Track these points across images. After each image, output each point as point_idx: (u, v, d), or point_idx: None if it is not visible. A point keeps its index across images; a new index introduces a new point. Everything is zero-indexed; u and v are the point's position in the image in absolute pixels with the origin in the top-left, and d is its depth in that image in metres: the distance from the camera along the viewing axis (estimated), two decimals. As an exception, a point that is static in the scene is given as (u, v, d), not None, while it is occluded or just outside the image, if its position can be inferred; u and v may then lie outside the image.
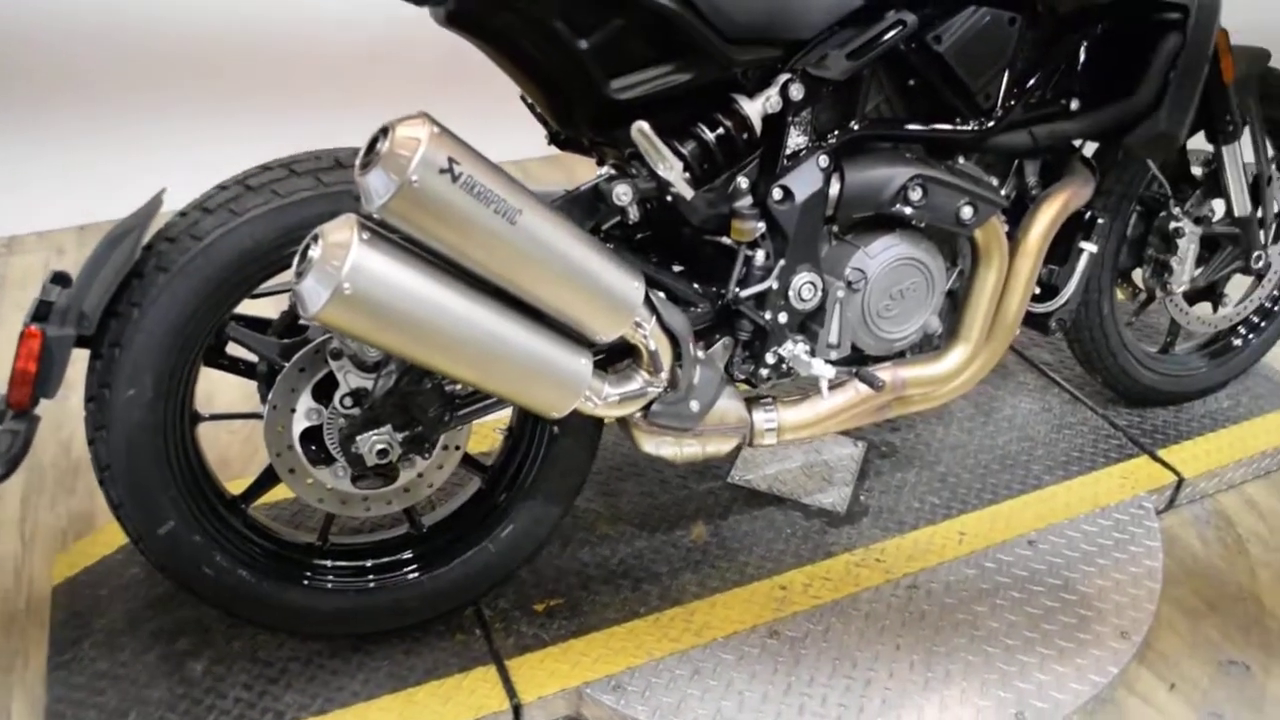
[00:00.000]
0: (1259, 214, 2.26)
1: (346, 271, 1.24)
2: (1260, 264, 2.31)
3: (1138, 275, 2.33)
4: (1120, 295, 2.34)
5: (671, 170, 1.46)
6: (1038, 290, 2.00)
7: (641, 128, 1.44)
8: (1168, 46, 1.82)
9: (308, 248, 1.28)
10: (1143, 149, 1.88)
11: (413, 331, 1.31)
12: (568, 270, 1.37)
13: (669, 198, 1.51)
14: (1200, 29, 1.82)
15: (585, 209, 1.51)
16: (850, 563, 1.98)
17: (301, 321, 1.60)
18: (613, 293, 1.43)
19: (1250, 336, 2.53)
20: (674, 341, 1.54)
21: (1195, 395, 2.52)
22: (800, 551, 2.00)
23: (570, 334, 1.45)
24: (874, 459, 2.27)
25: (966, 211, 1.70)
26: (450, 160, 1.24)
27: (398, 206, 1.24)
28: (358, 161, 1.27)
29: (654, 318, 1.50)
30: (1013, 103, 1.76)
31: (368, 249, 1.26)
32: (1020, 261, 1.86)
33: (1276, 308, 2.53)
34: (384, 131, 1.26)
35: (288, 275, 1.38)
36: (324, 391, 1.59)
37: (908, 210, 1.67)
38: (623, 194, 1.48)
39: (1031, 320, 2.02)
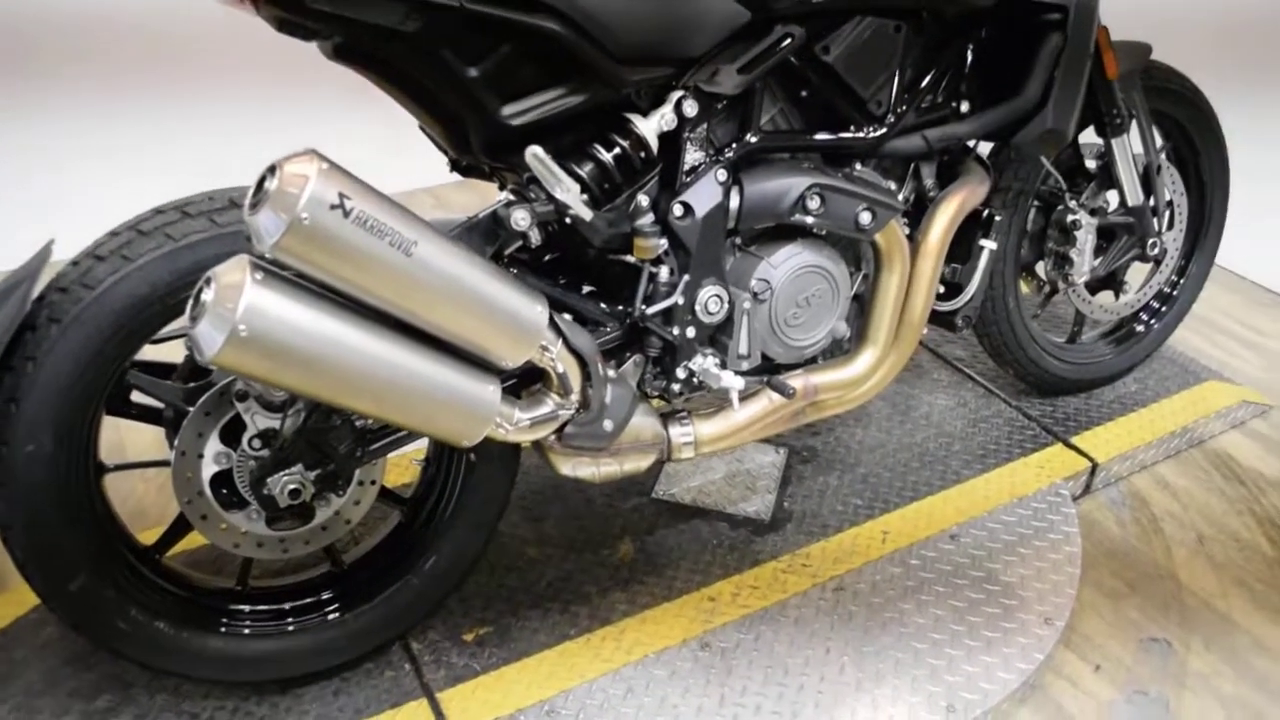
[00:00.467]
0: (1151, 202, 2.32)
1: (241, 313, 1.22)
2: (1156, 250, 2.38)
3: (1040, 268, 2.38)
4: (1025, 288, 2.39)
5: (569, 193, 1.46)
6: (942, 289, 2.04)
7: (535, 152, 1.44)
8: (1050, 46, 1.87)
9: (200, 291, 1.27)
10: (1033, 146, 1.93)
11: (313, 370, 1.30)
12: (468, 298, 1.37)
13: (569, 220, 1.52)
14: (1080, 28, 1.88)
15: (485, 236, 1.50)
16: (777, 570, 2.00)
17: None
18: (516, 318, 1.42)
19: (1152, 322, 2.61)
20: (582, 362, 1.54)
21: (1104, 382, 2.59)
22: (727, 562, 2.01)
23: (476, 361, 1.45)
24: (796, 465, 2.29)
25: (865, 217, 1.73)
26: (340, 195, 1.23)
27: (289, 245, 1.23)
28: (246, 202, 1.26)
29: (560, 340, 1.50)
30: (904, 108, 1.79)
31: (262, 289, 1.24)
32: (922, 262, 1.90)
33: (1175, 292, 2.61)
34: (271, 170, 1.24)
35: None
36: (232, 434, 1.57)
37: (808, 219, 1.69)
38: (521, 219, 1.48)
39: (938, 319, 2.05)
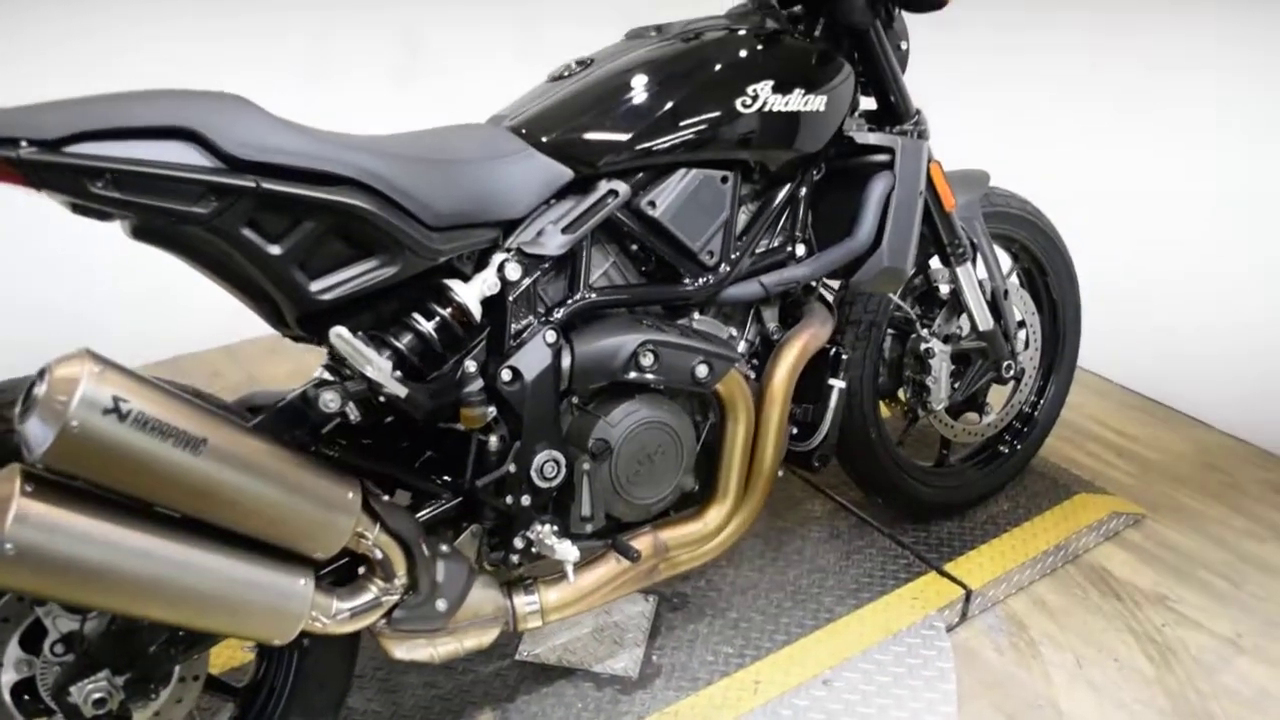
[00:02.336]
0: (1002, 325, 2.34)
1: (8, 530, 1.14)
2: (1011, 372, 2.40)
3: (902, 393, 2.38)
4: (888, 413, 2.38)
5: (380, 372, 1.41)
6: (795, 430, 2.01)
7: (340, 334, 1.38)
8: (880, 187, 1.89)
9: (-33, 508, 1.18)
10: (872, 285, 1.93)
11: (96, 583, 1.21)
12: (268, 493, 1.30)
13: (383, 399, 1.45)
14: (908, 166, 1.91)
15: (294, 419, 1.43)
16: (644, 732, 1.91)
17: None
18: (323, 507, 1.35)
19: (1016, 442, 2.61)
20: (404, 544, 1.47)
21: (975, 503, 2.58)
22: (592, 727, 1.92)
23: (288, 555, 1.37)
24: (665, 613, 2.22)
25: (701, 370, 1.70)
26: (115, 398, 1.16)
27: (60, 453, 1.15)
28: (17, 409, 1.18)
29: (377, 524, 1.43)
30: (738, 256, 1.79)
31: (32, 502, 1.16)
32: (768, 409, 1.87)
33: (1036, 411, 2.63)
34: (41, 374, 1.17)
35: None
36: (34, 639, 1.45)
37: (644, 376, 1.66)
38: (330, 401, 1.41)
39: (795, 459, 2.02)
